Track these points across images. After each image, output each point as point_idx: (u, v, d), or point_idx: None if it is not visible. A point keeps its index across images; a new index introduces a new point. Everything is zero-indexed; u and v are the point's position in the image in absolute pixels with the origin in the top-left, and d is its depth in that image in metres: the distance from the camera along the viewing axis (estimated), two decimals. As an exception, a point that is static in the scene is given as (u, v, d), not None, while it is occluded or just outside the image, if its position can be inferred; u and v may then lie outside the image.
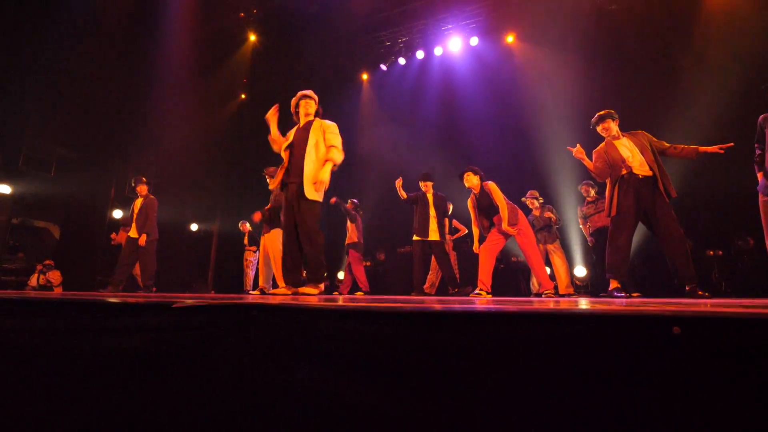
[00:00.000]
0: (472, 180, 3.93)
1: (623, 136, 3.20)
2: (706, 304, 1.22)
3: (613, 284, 3.02)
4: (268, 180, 4.54)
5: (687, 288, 2.77)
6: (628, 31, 6.14)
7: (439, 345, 0.84)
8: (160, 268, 5.22)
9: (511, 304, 1.30)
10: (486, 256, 3.74)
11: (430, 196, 4.81)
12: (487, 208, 3.88)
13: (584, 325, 0.72)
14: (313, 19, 7.25)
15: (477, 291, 3.70)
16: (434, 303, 1.25)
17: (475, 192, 3.95)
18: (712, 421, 0.60)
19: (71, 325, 1.35)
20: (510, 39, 7.21)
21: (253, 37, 7.96)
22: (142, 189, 5.14)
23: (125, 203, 7.24)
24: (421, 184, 4.85)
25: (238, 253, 6.70)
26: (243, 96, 9.25)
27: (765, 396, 0.58)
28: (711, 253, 5.40)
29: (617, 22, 6.23)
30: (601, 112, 3.27)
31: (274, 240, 4.66)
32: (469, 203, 4.00)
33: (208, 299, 1.40)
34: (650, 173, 2.96)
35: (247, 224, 6.47)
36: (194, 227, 9.13)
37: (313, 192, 2.77)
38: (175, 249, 7.63)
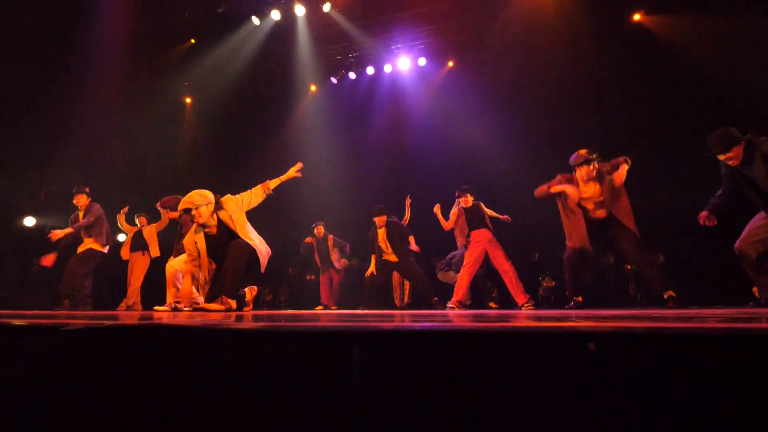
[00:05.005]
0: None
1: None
2: (615, 318, 1.28)
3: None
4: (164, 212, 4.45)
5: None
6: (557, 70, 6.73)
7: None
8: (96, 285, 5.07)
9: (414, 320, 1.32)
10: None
11: (381, 232, 4.81)
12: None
13: (512, 342, 0.75)
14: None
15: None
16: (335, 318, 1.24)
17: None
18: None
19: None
20: (450, 64, 7.61)
21: (193, 41, 7.64)
22: (80, 199, 4.75)
23: (40, 212, 6.54)
24: (375, 219, 4.88)
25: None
26: (188, 101, 8.78)
27: (672, 407, 0.61)
28: (629, 267, 5.97)
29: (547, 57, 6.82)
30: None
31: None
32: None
33: (109, 320, 1.28)
34: None
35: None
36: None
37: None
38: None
